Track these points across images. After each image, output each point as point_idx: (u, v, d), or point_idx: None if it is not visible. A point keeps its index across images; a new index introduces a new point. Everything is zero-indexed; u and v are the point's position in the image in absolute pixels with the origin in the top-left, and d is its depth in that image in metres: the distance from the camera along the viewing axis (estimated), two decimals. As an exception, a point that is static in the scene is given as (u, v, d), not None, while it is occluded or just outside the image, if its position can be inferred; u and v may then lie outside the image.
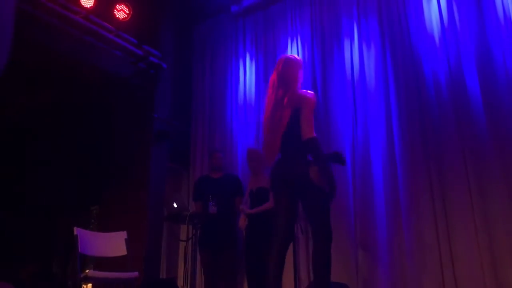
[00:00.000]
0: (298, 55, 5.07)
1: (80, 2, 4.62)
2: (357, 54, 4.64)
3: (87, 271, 3.99)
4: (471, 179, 3.70)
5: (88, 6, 4.66)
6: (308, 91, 2.96)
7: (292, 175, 2.82)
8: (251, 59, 5.53)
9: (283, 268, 2.81)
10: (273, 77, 3.05)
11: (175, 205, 4.30)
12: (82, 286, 5.21)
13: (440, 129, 3.98)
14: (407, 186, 4.00)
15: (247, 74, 5.50)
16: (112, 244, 4.00)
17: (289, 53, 5.16)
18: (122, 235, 4.03)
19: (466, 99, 3.91)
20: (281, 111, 2.88)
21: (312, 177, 2.70)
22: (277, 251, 2.80)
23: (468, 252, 3.61)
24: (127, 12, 5.02)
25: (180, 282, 4.89)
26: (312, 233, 2.86)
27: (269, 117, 2.94)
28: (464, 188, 3.72)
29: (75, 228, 3.82)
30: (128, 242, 3.97)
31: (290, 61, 3.07)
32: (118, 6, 4.99)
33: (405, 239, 3.89)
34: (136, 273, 3.75)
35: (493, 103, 3.77)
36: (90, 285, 6.01)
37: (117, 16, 4.97)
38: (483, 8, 3.99)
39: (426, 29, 4.27)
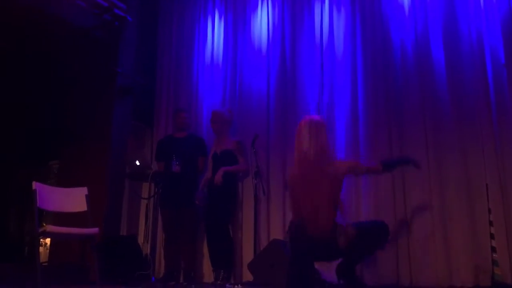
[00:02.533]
0: (268, 16, 5.01)
1: None
2: (327, 18, 4.62)
3: (45, 225, 3.93)
4: (430, 145, 3.86)
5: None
6: None
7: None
8: (219, 17, 5.42)
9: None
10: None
11: (137, 163, 4.27)
12: (40, 241, 5.15)
13: (403, 94, 4.09)
14: (368, 149, 4.12)
15: (215, 33, 5.39)
16: (72, 199, 3.94)
17: (258, 13, 5.08)
18: (83, 191, 3.97)
19: (430, 66, 4.01)
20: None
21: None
22: None
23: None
24: (92, -40, 4.78)
25: (140, 239, 4.92)
26: None
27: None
28: (422, 153, 3.87)
29: (33, 183, 3.73)
30: (88, 198, 3.93)
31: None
32: (82, -46, 4.73)
33: (363, 201, 4.04)
34: (96, 229, 3.73)
35: (455, 71, 3.89)
36: (48, 240, 5.96)
37: (81, -36, 4.73)
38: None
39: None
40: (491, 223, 3.54)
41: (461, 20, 3.95)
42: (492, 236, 3.52)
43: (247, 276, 4.17)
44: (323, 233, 2.75)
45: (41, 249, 6.28)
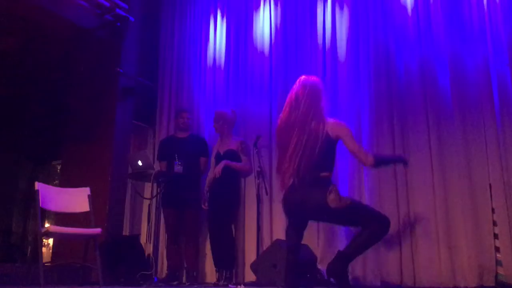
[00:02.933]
0: (270, 16, 5.00)
1: None
2: (329, 18, 4.61)
3: (47, 226, 3.94)
4: (433, 145, 3.84)
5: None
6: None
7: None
8: (222, 17, 5.41)
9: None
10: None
11: (140, 163, 4.27)
12: (43, 241, 5.16)
13: (405, 93, 4.08)
14: (370, 149, 4.11)
15: (218, 32, 5.39)
16: (75, 200, 3.95)
17: (261, 13, 5.08)
18: (85, 191, 3.97)
19: (433, 64, 3.99)
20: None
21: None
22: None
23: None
24: (94, -39, 4.79)
25: (143, 239, 4.91)
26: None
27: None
28: (425, 153, 3.86)
29: (36, 183, 3.74)
30: (91, 198, 3.93)
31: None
32: (85, -46, 4.74)
33: (366, 193, 4.03)
34: (98, 229, 3.74)
35: (459, 70, 3.87)
36: (51, 240, 5.97)
37: (83, -36, 4.74)
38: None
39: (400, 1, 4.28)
40: (494, 223, 3.52)
41: (465, 20, 3.94)
42: (495, 236, 3.50)
43: (250, 276, 4.17)
44: (310, 180, 2.72)
45: (44, 249, 6.30)
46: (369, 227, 2.73)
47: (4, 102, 6.40)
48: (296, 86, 2.96)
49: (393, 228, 3.84)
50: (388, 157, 2.89)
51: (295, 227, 2.90)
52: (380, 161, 2.92)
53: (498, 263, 3.45)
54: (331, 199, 2.67)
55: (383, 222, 2.78)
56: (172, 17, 5.78)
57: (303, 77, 3.02)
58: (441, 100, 3.91)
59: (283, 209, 2.95)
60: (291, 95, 2.95)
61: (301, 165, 2.74)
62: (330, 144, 2.81)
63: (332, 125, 2.82)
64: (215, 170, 4.45)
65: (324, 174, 2.79)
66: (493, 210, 3.54)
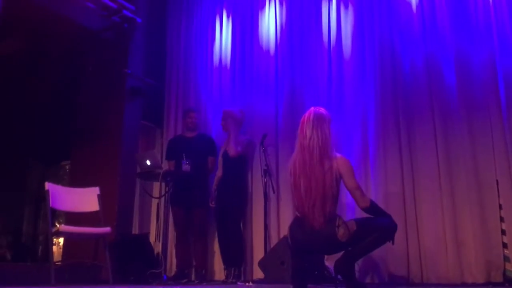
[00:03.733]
0: (275, 14, 5.02)
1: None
2: (334, 16, 4.62)
3: (58, 225, 4.00)
4: (439, 142, 3.84)
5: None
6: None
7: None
8: (227, 17, 5.44)
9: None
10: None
11: (148, 162, 4.30)
12: (53, 240, 5.22)
13: (411, 90, 4.08)
14: (376, 146, 4.12)
15: (223, 32, 5.42)
16: (85, 199, 4.00)
17: (266, 13, 5.09)
18: (95, 190, 4.03)
19: (439, 62, 3.99)
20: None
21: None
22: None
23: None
24: (101, -37, 4.83)
25: (152, 238, 4.96)
26: None
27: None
28: (432, 150, 3.87)
29: (46, 183, 3.79)
30: (100, 197, 3.98)
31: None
32: (91, -44, 4.79)
33: (372, 190, 4.05)
34: (108, 229, 3.79)
35: (465, 68, 3.88)
36: (61, 239, 6.04)
37: (90, -34, 4.78)
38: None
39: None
40: (502, 219, 3.52)
41: (471, 17, 3.93)
42: (503, 232, 3.50)
43: (258, 274, 4.20)
44: (321, 224, 2.73)
45: (54, 248, 6.37)
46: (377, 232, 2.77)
47: (13, 103, 6.48)
48: (305, 122, 2.94)
49: (400, 225, 3.87)
50: (381, 210, 2.94)
51: (300, 257, 2.89)
52: (373, 208, 2.90)
53: (506, 259, 3.45)
54: (341, 234, 2.70)
55: (390, 227, 2.81)
56: (179, 18, 5.81)
57: (311, 111, 2.99)
58: (447, 97, 3.91)
59: (290, 245, 2.92)
60: (302, 131, 2.93)
61: (316, 204, 2.76)
62: (338, 180, 2.84)
63: (339, 161, 2.84)
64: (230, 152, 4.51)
65: (331, 208, 2.79)
66: (500, 206, 3.54)
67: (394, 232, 2.82)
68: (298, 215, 2.87)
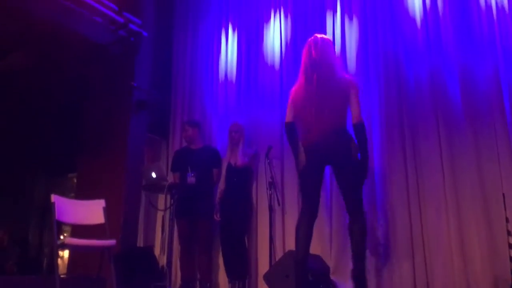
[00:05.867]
0: (280, 27, 5.06)
1: (60, -34, 4.49)
2: (339, 30, 4.65)
3: (63, 237, 4.00)
4: (444, 155, 3.83)
5: (68, -30, 4.53)
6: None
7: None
8: (233, 30, 5.49)
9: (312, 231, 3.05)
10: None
11: (153, 174, 4.32)
12: (58, 252, 5.22)
13: (416, 103, 4.09)
14: (382, 158, 4.12)
15: (229, 45, 5.46)
16: (90, 212, 4.00)
17: (271, 26, 5.14)
18: (100, 203, 4.03)
19: (443, 74, 4.00)
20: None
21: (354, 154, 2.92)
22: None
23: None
24: (108, -23, 4.90)
25: (157, 251, 4.95)
26: (350, 208, 3.08)
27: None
28: (437, 163, 3.85)
29: (52, 195, 3.80)
30: (106, 210, 3.98)
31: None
32: (99, -29, 4.86)
33: (378, 212, 4.02)
34: (113, 241, 3.78)
35: (469, 79, 3.88)
36: (66, 252, 6.04)
37: (97, -19, 4.85)
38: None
39: (409, 11, 4.30)
40: (509, 233, 3.49)
41: (475, 30, 3.94)
42: (510, 246, 3.46)
43: (263, 287, 4.17)
44: (332, 132, 2.96)
45: (59, 261, 6.36)
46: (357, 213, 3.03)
47: (20, 116, 6.54)
48: (312, 45, 3.18)
49: (406, 238, 3.86)
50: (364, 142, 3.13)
51: (315, 185, 3.06)
52: (361, 130, 3.07)
53: (513, 272, 3.42)
54: (355, 153, 2.92)
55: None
56: (185, 31, 5.87)
57: (315, 36, 3.26)
58: (452, 110, 3.90)
59: (309, 158, 3.05)
60: (307, 55, 3.17)
61: (325, 119, 2.96)
62: (346, 98, 3.07)
63: (348, 82, 3.07)
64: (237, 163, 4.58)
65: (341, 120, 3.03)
66: (507, 219, 3.51)
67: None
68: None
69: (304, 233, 3.04)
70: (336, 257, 4.12)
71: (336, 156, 3.05)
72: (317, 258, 3.94)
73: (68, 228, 6.01)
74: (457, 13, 4.06)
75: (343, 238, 4.08)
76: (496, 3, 3.88)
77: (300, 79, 3.24)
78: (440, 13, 4.13)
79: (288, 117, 3.24)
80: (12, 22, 4.53)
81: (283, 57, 4.98)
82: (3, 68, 5.69)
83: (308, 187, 3.11)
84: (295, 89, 3.26)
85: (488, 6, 3.91)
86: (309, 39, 3.32)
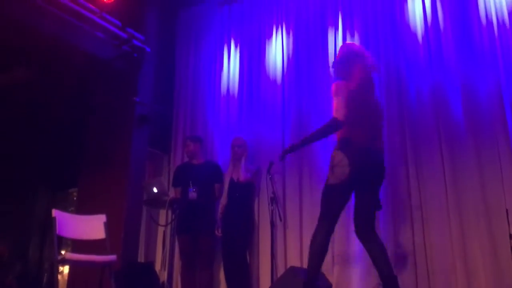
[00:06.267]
0: (282, 43, 5.10)
1: (64, -18, 4.54)
2: (340, 44, 4.67)
3: (63, 253, 3.98)
4: (447, 171, 3.83)
5: (72, -14, 4.58)
6: None
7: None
8: (235, 46, 5.52)
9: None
10: None
11: (155, 189, 4.30)
12: (59, 268, 5.18)
13: (417, 117, 4.10)
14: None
15: (231, 61, 5.49)
16: (91, 227, 3.99)
17: (273, 42, 5.17)
18: (101, 218, 4.02)
19: (445, 88, 4.02)
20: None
21: None
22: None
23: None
24: (112, -7, 4.95)
25: (157, 266, 4.91)
26: (368, 227, 3.05)
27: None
28: (440, 180, 3.83)
29: (53, 210, 3.79)
30: (107, 225, 3.97)
31: None
32: (102, -13, 4.91)
33: (380, 219, 4.00)
34: (114, 256, 3.76)
35: (471, 94, 3.89)
36: (67, 267, 6.00)
37: (101, -3, 4.90)
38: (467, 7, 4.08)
39: (410, 27, 4.33)
40: (512, 249, 3.46)
41: (476, 46, 3.97)
42: (514, 262, 3.44)
43: (265, 304, 4.13)
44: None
45: (59, 276, 6.32)
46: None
47: (21, 130, 6.56)
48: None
49: (408, 255, 3.82)
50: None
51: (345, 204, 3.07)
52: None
53: (517, 290, 3.38)
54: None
55: None
56: (187, 47, 5.91)
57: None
58: (454, 126, 3.91)
59: (352, 173, 2.96)
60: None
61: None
62: None
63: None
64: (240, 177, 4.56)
65: None
66: (510, 236, 3.48)
67: None
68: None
69: (326, 250, 3.06)
70: (338, 274, 4.08)
71: (379, 177, 3.11)
72: (320, 274, 3.90)
73: (69, 242, 5.98)
74: (458, 29, 4.09)
75: (345, 255, 4.05)
76: (497, 18, 3.91)
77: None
78: (442, 29, 4.16)
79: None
80: (16, 36, 4.56)
81: (285, 73, 5.00)
82: (6, 82, 5.72)
83: (341, 206, 3.06)
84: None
85: (489, 22, 3.94)
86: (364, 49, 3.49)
